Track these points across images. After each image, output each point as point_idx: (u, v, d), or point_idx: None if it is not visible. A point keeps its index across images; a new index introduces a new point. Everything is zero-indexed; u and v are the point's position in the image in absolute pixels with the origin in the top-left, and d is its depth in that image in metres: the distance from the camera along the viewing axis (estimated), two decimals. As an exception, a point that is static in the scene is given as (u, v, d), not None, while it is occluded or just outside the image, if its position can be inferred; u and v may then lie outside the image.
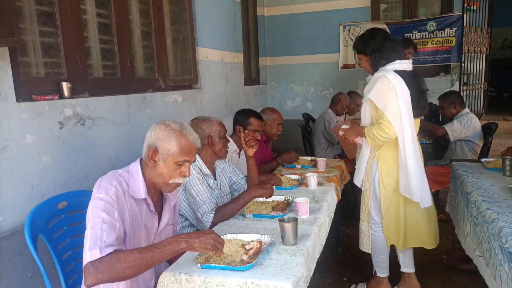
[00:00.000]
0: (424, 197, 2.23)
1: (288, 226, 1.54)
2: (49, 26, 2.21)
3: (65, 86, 2.20)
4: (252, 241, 1.52)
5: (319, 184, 2.44)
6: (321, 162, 2.87)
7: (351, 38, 5.78)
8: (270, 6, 6.14)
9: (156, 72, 3.21)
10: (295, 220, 1.58)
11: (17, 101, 1.90)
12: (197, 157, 2.01)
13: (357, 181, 2.46)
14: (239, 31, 4.80)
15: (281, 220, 1.58)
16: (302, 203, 1.88)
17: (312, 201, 2.12)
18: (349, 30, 5.83)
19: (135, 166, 1.49)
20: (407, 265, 2.49)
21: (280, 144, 5.60)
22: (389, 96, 2.16)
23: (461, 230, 2.41)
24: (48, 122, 2.05)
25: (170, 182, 1.47)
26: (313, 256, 1.65)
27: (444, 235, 3.36)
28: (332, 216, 2.26)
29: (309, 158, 3.19)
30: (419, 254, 2.58)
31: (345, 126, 2.46)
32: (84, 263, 1.23)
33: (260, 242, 1.51)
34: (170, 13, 3.43)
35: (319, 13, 5.94)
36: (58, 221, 1.61)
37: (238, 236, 1.58)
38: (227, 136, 2.76)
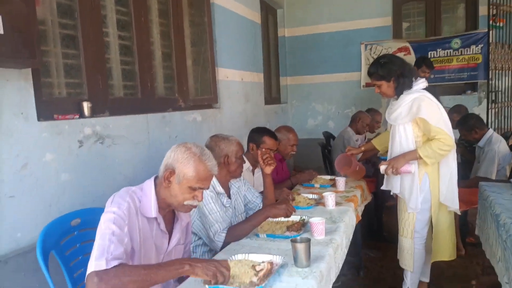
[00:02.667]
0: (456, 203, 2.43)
1: (300, 246, 1.49)
2: (72, 49, 2.30)
3: (86, 105, 2.27)
4: (263, 262, 1.48)
5: (337, 204, 2.37)
6: (341, 181, 2.79)
7: (372, 57, 5.72)
8: (290, 27, 6.20)
9: (176, 92, 3.27)
10: (307, 240, 1.52)
11: (38, 120, 1.96)
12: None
13: (416, 205, 2.39)
14: (259, 52, 4.85)
15: (293, 241, 1.53)
16: (317, 223, 1.82)
17: (329, 221, 2.05)
18: (370, 49, 5.79)
19: (149, 184, 1.49)
20: (426, 275, 2.61)
21: (301, 163, 5.54)
22: (436, 112, 2.28)
23: (493, 254, 2.27)
24: (67, 141, 2.10)
25: (185, 203, 1.46)
26: (328, 279, 1.58)
27: (474, 260, 3.19)
28: (351, 237, 2.18)
29: (328, 177, 3.13)
30: (446, 280, 2.44)
31: (383, 167, 2.41)
32: (88, 272, 1.21)
33: (271, 263, 1.47)
34: (191, 35, 3.51)
35: (340, 32, 5.94)
36: (71, 238, 1.62)
37: (249, 256, 1.54)
38: None
